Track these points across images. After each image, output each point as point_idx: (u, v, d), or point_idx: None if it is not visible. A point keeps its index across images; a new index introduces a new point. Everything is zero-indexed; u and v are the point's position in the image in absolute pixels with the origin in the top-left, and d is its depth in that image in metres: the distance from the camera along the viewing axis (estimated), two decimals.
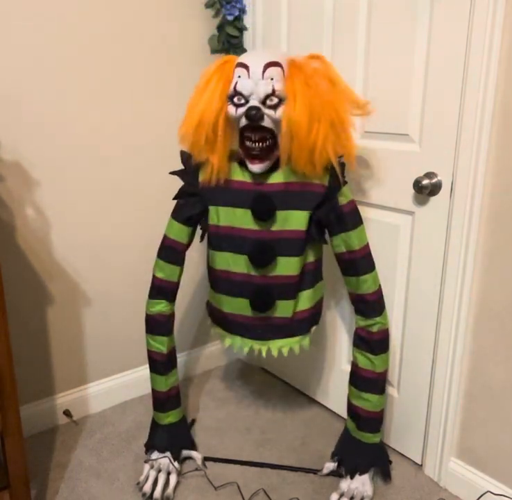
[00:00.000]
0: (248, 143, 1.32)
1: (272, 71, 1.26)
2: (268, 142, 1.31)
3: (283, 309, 1.47)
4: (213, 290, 1.55)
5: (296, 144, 1.29)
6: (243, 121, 1.29)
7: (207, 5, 1.85)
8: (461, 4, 1.26)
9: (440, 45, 1.33)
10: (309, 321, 1.53)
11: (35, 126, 1.60)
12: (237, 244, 1.43)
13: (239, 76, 1.28)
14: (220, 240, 1.45)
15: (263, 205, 1.37)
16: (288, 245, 1.41)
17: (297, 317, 1.49)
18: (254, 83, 1.26)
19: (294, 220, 1.39)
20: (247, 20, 1.87)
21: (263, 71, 1.26)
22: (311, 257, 1.47)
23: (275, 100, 1.26)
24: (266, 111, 1.27)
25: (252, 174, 1.40)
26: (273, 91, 1.26)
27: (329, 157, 1.31)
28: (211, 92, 1.31)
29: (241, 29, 1.87)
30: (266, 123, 1.28)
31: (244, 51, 1.88)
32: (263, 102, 1.27)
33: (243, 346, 1.53)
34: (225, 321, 1.54)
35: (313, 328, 1.56)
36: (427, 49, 1.37)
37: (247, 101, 1.28)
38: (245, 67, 1.27)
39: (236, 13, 1.83)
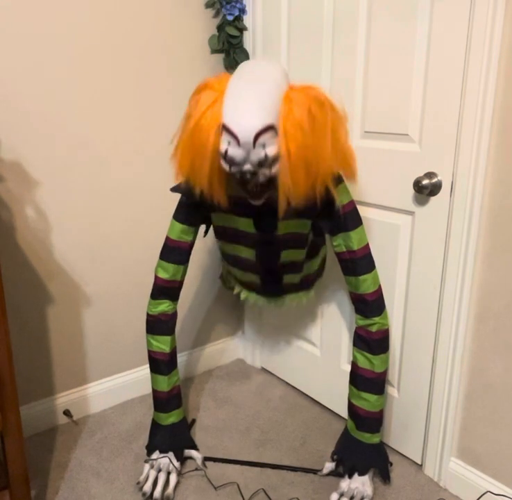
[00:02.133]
0: (244, 185, 1.28)
1: (264, 138, 1.14)
2: (266, 187, 1.27)
3: (290, 279, 1.59)
4: (225, 263, 1.67)
5: (295, 197, 1.22)
6: (238, 176, 1.23)
7: (207, 5, 1.85)
8: (461, 4, 1.26)
9: (440, 45, 1.33)
10: (314, 279, 1.69)
11: (35, 126, 1.60)
12: (243, 241, 1.50)
13: (229, 142, 1.16)
14: (225, 236, 1.53)
15: (266, 221, 1.42)
16: (291, 242, 1.47)
17: (305, 280, 1.65)
18: (245, 152, 1.16)
19: (295, 225, 1.44)
20: (247, 20, 1.87)
21: (254, 141, 1.14)
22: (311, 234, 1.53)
23: (269, 161, 1.18)
24: (261, 170, 1.20)
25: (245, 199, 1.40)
26: (266, 157, 1.17)
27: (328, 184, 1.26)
28: (204, 137, 1.19)
29: (241, 29, 1.87)
30: (262, 179, 1.22)
31: (244, 51, 1.88)
32: (257, 164, 1.19)
33: (257, 301, 1.70)
34: (240, 283, 1.71)
35: (317, 281, 1.73)
36: (427, 49, 1.37)
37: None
38: (233, 135, 1.14)
39: (236, 13, 1.83)
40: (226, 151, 1.17)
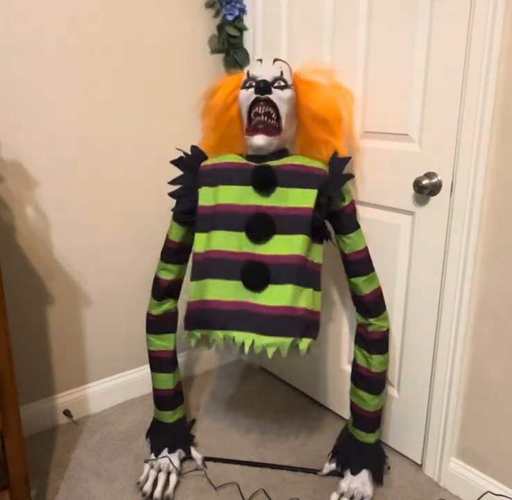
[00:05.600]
0: (253, 117, 1.38)
1: (282, 64, 1.42)
2: (272, 119, 1.37)
3: (280, 295, 1.30)
4: (196, 281, 1.40)
5: (315, 109, 1.41)
6: (252, 96, 1.37)
7: (207, 5, 1.85)
8: (461, 4, 1.26)
9: (440, 45, 1.33)
10: (305, 326, 1.32)
11: (35, 126, 1.60)
12: (233, 222, 1.36)
13: (252, 70, 1.42)
14: (212, 221, 1.38)
15: (264, 174, 1.37)
16: (291, 222, 1.33)
17: (295, 312, 1.31)
18: (265, 68, 1.40)
19: (298, 197, 1.35)
20: (247, 20, 1.86)
21: (273, 62, 1.43)
22: (311, 255, 1.38)
23: (283, 83, 1.38)
24: (274, 88, 1.37)
25: (254, 159, 1.42)
26: (281, 74, 1.39)
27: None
28: (228, 87, 1.47)
29: (241, 29, 1.87)
30: (273, 97, 1.36)
31: (244, 51, 1.88)
32: (272, 83, 1.38)
33: (223, 343, 1.34)
34: (205, 316, 1.36)
35: (308, 342, 1.33)
36: (427, 49, 1.37)
37: None
38: (259, 61, 1.47)
39: (236, 13, 1.83)
40: (249, 71, 1.41)
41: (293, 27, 1.72)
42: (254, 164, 1.41)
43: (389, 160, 1.51)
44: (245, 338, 1.31)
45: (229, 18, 1.82)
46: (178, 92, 1.86)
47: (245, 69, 1.49)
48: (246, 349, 1.31)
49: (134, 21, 1.71)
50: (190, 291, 1.42)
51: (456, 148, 1.34)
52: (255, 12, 1.84)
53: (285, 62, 1.44)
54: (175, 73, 1.84)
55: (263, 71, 1.39)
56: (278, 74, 1.38)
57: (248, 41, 1.88)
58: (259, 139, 1.36)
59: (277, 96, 1.37)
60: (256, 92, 1.35)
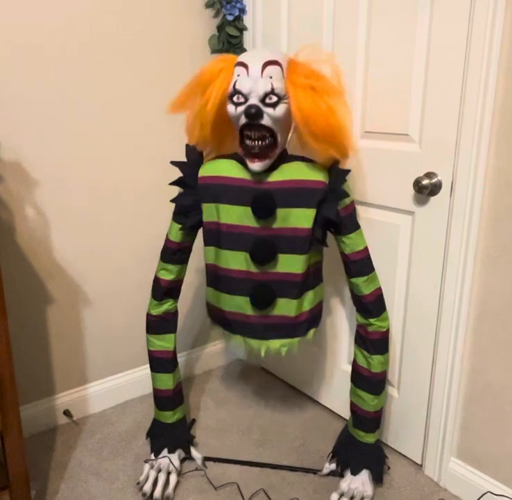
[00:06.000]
0: (247, 142, 1.32)
1: (272, 69, 1.27)
2: (267, 141, 1.31)
3: (285, 308, 1.45)
4: (211, 288, 1.54)
5: (314, 128, 1.29)
6: (243, 120, 1.29)
7: (207, 5, 1.85)
8: (461, 3, 1.26)
9: (440, 45, 1.33)
10: (309, 323, 1.51)
11: (35, 126, 1.60)
12: (237, 242, 1.42)
13: (238, 75, 1.29)
14: (218, 237, 1.44)
15: (263, 202, 1.36)
16: (291, 242, 1.40)
17: (300, 319, 1.48)
18: (253, 81, 1.26)
19: (297, 218, 1.38)
20: (247, 20, 1.86)
21: (262, 70, 1.26)
22: (312, 259, 1.47)
23: (274, 98, 1.27)
24: (265, 109, 1.27)
25: (252, 173, 1.40)
26: (272, 89, 1.26)
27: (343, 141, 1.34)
28: (213, 90, 1.33)
29: (241, 29, 1.87)
30: (265, 121, 1.28)
31: (244, 51, 1.88)
32: (263, 100, 1.27)
33: (243, 344, 1.53)
34: (224, 320, 1.53)
35: (313, 331, 1.53)
36: (427, 49, 1.37)
37: (246, 100, 1.28)
38: (244, 65, 1.28)
39: (236, 13, 1.83)
40: (235, 83, 1.28)
41: (293, 27, 1.72)
42: (252, 182, 1.39)
43: (389, 160, 1.51)
44: (260, 345, 1.50)
45: (229, 18, 1.82)
46: (178, 91, 1.86)
47: (238, 58, 1.32)
48: (262, 353, 1.51)
49: (134, 21, 1.71)
50: (207, 291, 1.57)
51: (456, 148, 1.34)
52: (255, 12, 1.84)
53: (275, 61, 1.28)
54: (175, 73, 1.84)
55: (252, 87, 1.26)
56: (268, 89, 1.26)
57: (248, 41, 1.88)
58: (256, 167, 1.34)
59: (270, 116, 1.28)
60: (246, 117, 1.26)
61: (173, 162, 1.49)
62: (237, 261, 1.43)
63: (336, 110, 1.30)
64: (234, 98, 1.29)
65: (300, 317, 1.47)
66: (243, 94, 1.28)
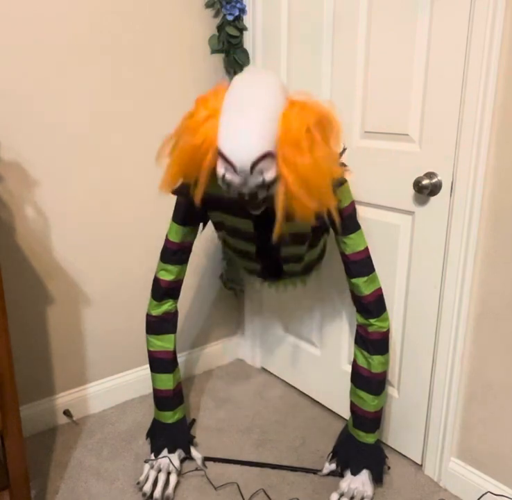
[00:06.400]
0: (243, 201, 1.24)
1: (261, 165, 1.10)
2: (262, 198, 1.22)
3: (291, 267, 1.57)
4: (227, 249, 1.65)
5: (298, 217, 1.17)
6: (234, 192, 1.18)
7: (207, 5, 1.85)
8: (461, 3, 1.26)
9: (440, 45, 1.33)
10: (314, 265, 1.65)
11: (35, 125, 1.60)
12: (241, 236, 1.47)
13: (226, 169, 1.12)
14: (225, 231, 1.51)
15: (265, 223, 1.38)
16: (291, 240, 1.43)
17: (305, 267, 1.61)
18: (242, 178, 1.12)
19: (296, 227, 1.38)
20: (247, 20, 1.86)
21: (251, 169, 1.10)
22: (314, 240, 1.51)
23: (267, 185, 1.15)
24: (260, 192, 1.16)
25: None
26: (264, 182, 1.13)
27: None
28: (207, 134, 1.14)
29: (241, 29, 1.87)
30: (260, 197, 1.18)
31: (244, 51, 1.88)
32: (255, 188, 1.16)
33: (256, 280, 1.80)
34: (241, 266, 1.69)
35: (317, 266, 1.70)
36: (426, 49, 1.37)
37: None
38: (230, 164, 1.10)
39: (236, 13, 1.83)
40: (224, 176, 1.13)
41: (293, 27, 1.72)
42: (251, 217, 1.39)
43: (389, 160, 1.51)
44: (276, 283, 1.79)
45: (229, 18, 1.82)
46: (178, 92, 1.86)
47: (220, 146, 1.10)
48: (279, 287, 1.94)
49: (134, 21, 1.71)
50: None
51: (456, 148, 1.34)
52: (255, 12, 1.84)
53: (264, 155, 1.08)
54: (176, 73, 1.84)
55: (242, 182, 1.12)
56: (260, 182, 1.12)
57: (248, 41, 1.88)
58: (254, 212, 1.26)
59: (264, 194, 1.17)
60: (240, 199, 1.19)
61: (174, 192, 1.41)
62: (243, 245, 1.50)
63: (326, 173, 1.15)
64: (224, 165, 1.12)
65: (306, 267, 1.62)
66: (229, 161, 1.11)
